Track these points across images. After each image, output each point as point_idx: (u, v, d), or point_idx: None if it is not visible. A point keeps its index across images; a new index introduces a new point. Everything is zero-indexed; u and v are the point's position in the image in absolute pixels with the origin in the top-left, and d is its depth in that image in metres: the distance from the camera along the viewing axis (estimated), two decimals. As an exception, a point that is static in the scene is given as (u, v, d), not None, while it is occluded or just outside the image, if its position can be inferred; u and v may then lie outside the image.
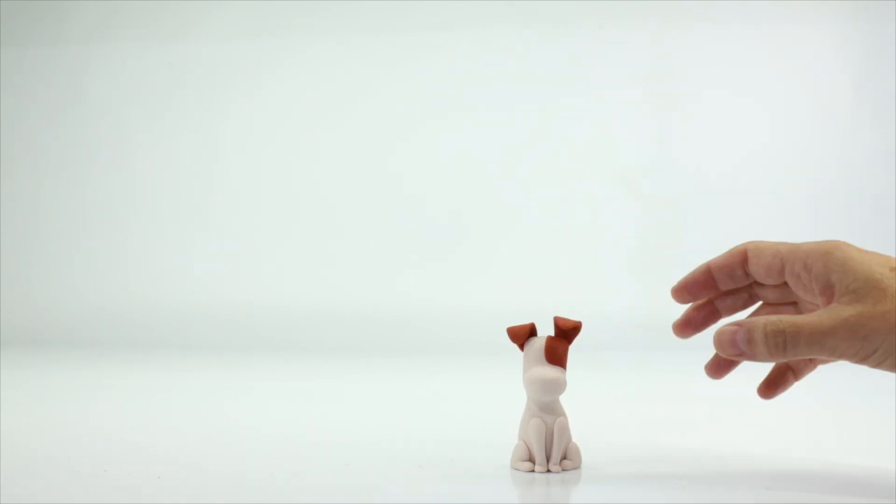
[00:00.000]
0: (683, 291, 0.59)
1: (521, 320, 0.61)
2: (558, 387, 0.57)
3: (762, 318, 0.53)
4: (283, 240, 1.87)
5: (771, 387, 0.60)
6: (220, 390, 1.11)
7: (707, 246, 1.78)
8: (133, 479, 0.58)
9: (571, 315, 0.61)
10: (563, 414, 0.58)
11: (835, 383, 1.11)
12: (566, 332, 0.58)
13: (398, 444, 0.71)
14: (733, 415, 0.86)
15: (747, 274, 0.58)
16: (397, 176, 1.87)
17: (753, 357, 0.53)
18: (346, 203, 1.87)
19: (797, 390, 0.60)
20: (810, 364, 0.59)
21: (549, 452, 0.58)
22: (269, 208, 1.89)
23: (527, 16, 1.84)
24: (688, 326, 0.60)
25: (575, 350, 0.58)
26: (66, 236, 1.94)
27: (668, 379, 1.22)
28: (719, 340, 0.53)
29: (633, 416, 0.85)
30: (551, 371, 0.57)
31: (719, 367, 0.59)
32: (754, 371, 0.57)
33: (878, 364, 0.51)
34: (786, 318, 0.52)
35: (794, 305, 0.58)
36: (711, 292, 0.59)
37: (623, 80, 1.83)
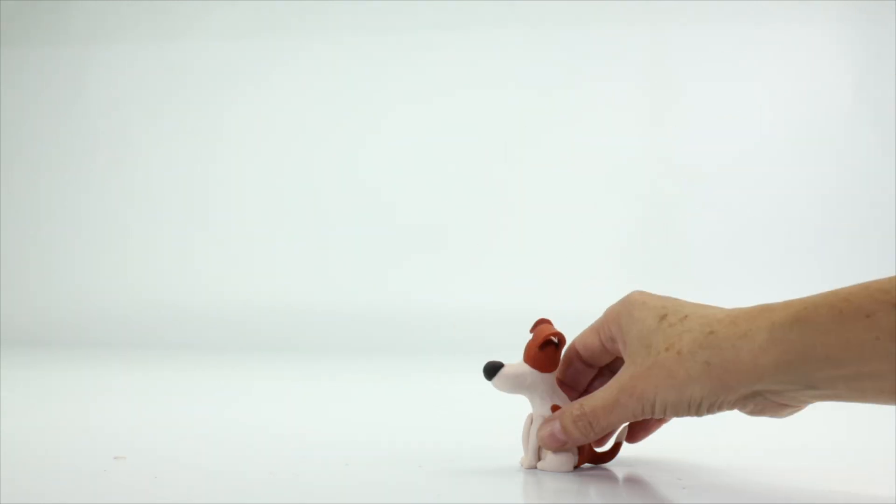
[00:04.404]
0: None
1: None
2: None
3: (569, 407, 0.56)
4: (283, 240, 1.87)
5: (633, 432, 0.59)
6: (220, 390, 1.11)
7: (706, 246, 1.79)
8: (133, 479, 0.58)
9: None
10: (544, 414, 0.57)
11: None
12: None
13: (398, 444, 0.71)
14: (734, 415, 0.86)
15: (586, 362, 0.59)
16: (396, 175, 1.87)
17: (575, 443, 0.56)
18: (346, 202, 1.87)
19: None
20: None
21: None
22: (269, 208, 1.89)
23: (527, 15, 1.84)
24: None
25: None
26: (66, 236, 1.94)
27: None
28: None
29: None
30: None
31: (632, 434, 0.59)
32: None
33: (693, 411, 0.52)
34: (586, 401, 0.55)
35: None
36: (593, 372, 0.60)
37: (623, 80, 1.83)
